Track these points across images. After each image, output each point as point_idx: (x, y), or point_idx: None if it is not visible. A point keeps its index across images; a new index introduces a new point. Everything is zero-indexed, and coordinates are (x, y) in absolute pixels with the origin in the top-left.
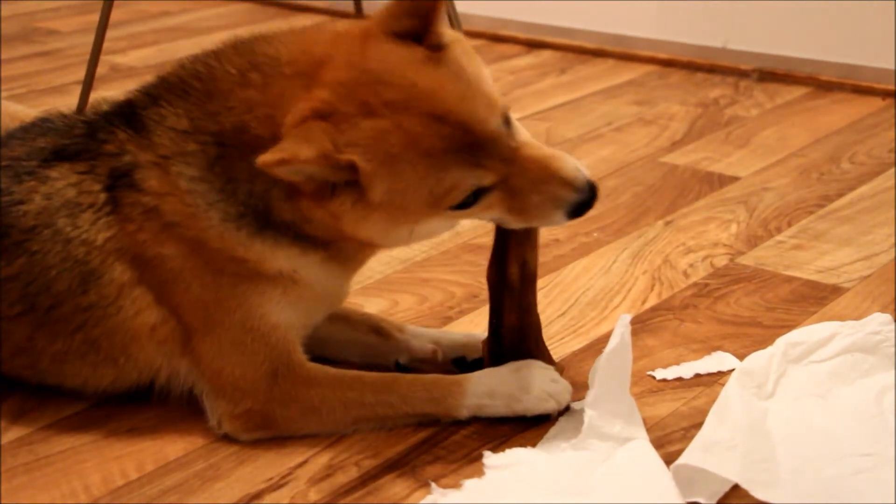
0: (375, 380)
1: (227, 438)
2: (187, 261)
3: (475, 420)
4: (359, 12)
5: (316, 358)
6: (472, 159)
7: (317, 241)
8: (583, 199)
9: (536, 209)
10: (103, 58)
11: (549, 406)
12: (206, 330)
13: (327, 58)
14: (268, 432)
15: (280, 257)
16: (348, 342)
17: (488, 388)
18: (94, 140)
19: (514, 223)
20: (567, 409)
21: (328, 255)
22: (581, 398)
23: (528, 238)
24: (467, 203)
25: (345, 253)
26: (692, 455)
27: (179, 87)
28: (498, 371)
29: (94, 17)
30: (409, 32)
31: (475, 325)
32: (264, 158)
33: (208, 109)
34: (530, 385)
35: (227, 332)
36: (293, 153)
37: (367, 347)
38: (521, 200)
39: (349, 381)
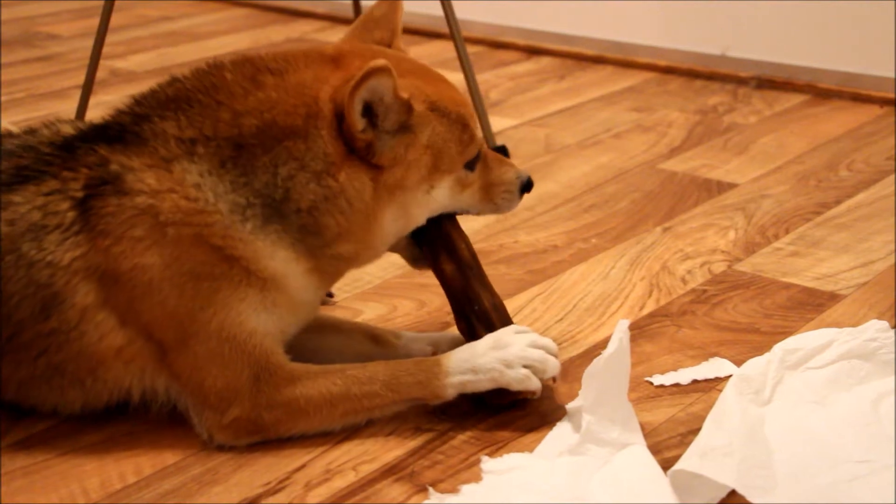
0: (358, 371)
1: None
2: (167, 269)
3: (473, 425)
4: (357, 17)
5: None
6: (477, 126)
7: (311, 247)
8: (525, 181)
9: (499, 196)
10: (103, 62)
11: (533, 382)
12: (180, 344)
13: (338, 53)
14: (259, 437)
15: (278, 258)
16: (345, 353)
17: (470, 365)
18: (70, 157)
19: (481, 207)
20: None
21: (314, 266)
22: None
23: (453, 222)
24: (472, 164)
25: (330, 266)
26: (689, 461)
27: (180, 100)
28: (476, 345)
29: (94, 22)
30: (380, 44)
31: None
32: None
33: (220, 117)
34: (511, 355)
35: (202, 343)
36: (381, 65)
37: (366, 357)
38: (489, 185)
39: (332, 376)
